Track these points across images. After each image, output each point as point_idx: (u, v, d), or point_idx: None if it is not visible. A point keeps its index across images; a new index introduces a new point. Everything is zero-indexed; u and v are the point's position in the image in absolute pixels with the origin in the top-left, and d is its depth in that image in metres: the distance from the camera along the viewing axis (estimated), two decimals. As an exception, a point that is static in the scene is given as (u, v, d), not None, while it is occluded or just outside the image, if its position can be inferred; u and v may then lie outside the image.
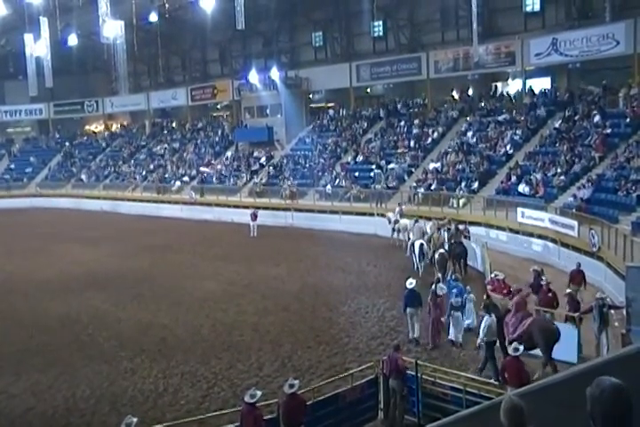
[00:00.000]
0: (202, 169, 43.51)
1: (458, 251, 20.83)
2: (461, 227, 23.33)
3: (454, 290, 15.28)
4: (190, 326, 17.07)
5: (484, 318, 13.08)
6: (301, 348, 14.89)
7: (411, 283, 15.15)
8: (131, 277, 23.15)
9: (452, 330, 14.83)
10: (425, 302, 15.06)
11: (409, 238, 23.61)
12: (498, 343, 13.01)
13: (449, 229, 22.55)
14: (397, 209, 27.62)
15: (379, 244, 27.63)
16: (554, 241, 22.22)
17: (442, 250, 20.38)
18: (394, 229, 26.68)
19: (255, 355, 14.53)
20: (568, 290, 15.11)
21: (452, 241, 21.39)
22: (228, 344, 15.47)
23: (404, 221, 25.90)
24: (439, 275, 18.00)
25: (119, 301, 19.99)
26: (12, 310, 19.63)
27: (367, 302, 18.50)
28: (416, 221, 24.01)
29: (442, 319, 14.84)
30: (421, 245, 21.32)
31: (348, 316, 17.40)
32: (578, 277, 16.61)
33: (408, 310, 15.01)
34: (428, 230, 23.12)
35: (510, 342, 12.63)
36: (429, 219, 25.31)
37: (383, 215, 28.56)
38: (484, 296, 14.14)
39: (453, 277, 16.65)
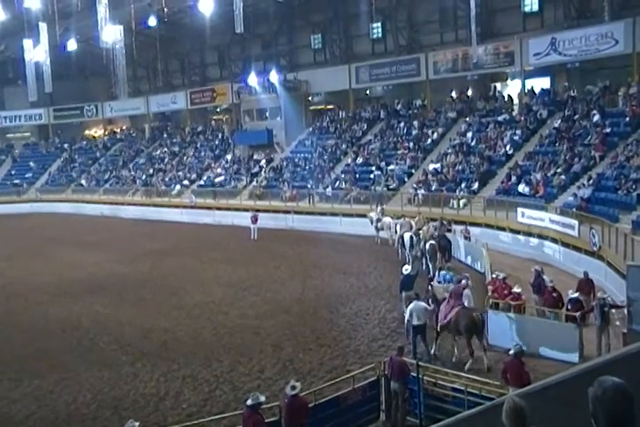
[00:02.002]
0: (211, 173, 43.39)
1: (443, 243, 22.09)
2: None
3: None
4: (191, 330, 17.04)
5: (411, 304, 13.99)
6: (303, 350, 14.85)
7: (406, 269, 16.84)
8: (131, 282, 23.14)
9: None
10: (419, 287, 16.21)
11: (396, 232, 25.15)
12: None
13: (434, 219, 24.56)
14: (379, 208, 28.91)
15: (379, 245, 27.60)
16: (554, 241, 22.22)
17: (432, 241, 21.64)
18: (377, 228, 27.88)
19: (256, 358, 14.49)
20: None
21: (437, 234, 22.56)
22: (229, 347, 15.44)
23: (387, 220, 27.22)
24: (430, 264, 20.24)
25: (120, 305, 19.96)
26: (12, 314, 19.60)
27: (368, 304, 18.46)
28: (403, 218, 25.74)
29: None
30: (411, 237, 22.99)
31: (348, 318, 17.37)
32: (586, 286, 15.73)
33: (403, 293, 16.18)
34: (414, 224, 24.40)
35: (441, 328, 13.70)
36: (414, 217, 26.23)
37: (365, 216, 29.41)
38: (428, 288, 15.39)
39: (446, 265, 17.85)
